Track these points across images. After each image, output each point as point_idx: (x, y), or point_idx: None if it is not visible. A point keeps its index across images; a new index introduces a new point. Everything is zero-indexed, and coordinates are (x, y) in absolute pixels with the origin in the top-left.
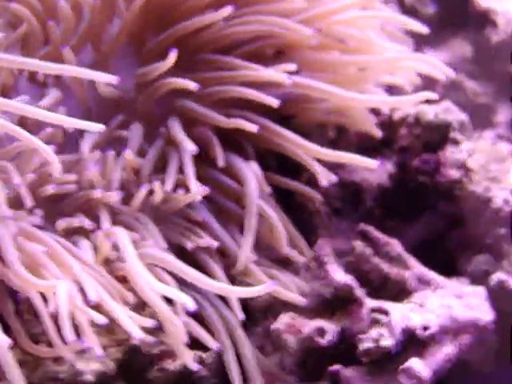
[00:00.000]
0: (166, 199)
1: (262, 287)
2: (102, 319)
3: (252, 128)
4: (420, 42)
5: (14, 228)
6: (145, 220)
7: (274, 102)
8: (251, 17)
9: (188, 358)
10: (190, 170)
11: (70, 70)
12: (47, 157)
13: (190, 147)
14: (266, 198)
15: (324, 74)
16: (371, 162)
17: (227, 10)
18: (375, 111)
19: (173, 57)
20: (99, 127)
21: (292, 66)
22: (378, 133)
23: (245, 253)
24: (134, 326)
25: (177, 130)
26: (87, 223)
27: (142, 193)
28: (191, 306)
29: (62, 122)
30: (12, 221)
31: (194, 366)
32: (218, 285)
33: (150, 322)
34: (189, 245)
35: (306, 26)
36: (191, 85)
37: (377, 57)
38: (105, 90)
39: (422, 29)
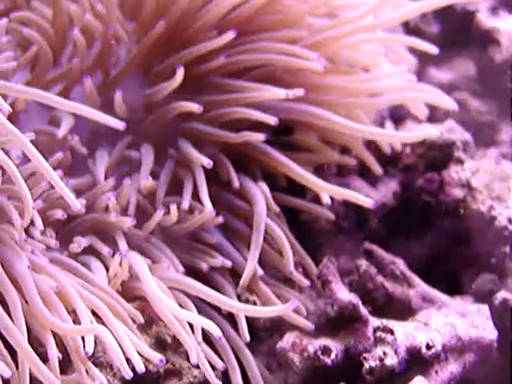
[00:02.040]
0: (179, 220)
1: (284, 306)
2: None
3: (259, 137)
4: (424, 61)
5: (26, 261)
6: (157, 242)
7: (272, 120)
8: (258, 44)
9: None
10: (204, 190)
11: (83, 110)
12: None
13: (206, 162)
14: (274, 218)
15: (329, 98)
16: (367, 201)
17: (230, 36)
18: (379, 125)
19: (180, 75)
20: (121, 124)
21: (299, 91)
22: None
23: (251, 267)
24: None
25: (190, 149)
26: (106, 250)
27: (158, 216)
28: (218, 332)
29: (85, 113)
30: (23, 252)
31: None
32: (244, 306)
33: (157, 357)
34: (204, 266)
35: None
36: (194, 107)
37: (383, 86)
38: (119, 109)
39: (430, 48)
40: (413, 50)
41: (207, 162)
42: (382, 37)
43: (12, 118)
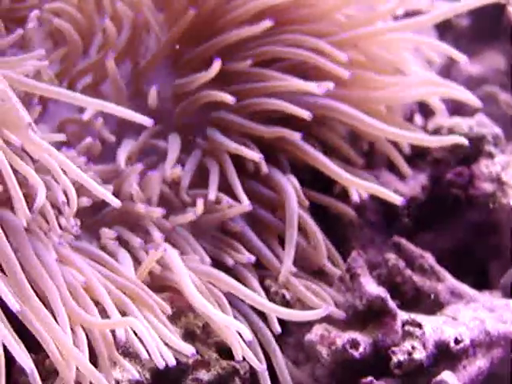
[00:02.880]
0: (208, 211)
1: (317, 312)
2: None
3: (294, 136)
4: None
5: (54, 253)
6: (185, 234)
7: (306, 115)
8: (289, 36)
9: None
10: (237, 183)
11: (110, 108)
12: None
13: (257, 156)
14: (305, 211)
15: (357, 92)
16: (396, 198)
17: (266, 24)
18: (409, 120)
19: (216, 66)
20: (149, 121)
21: (329, 85)
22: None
23: (287, 265)
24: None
25: (222, 138)
26: (137, 240)
27: (188, 216)
28: (248, 335)
29: (109, 110)
30: (51, 243)
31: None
32: (274, 307)
33: (189, 350)
34: (230, 261)
35: (343, 48)
36: (228, 98)
37: (410, 81)
38: (153, 103)
39: (458, 55)
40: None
41: (258, 156)
42: (413, 38)
43: (42, 107)
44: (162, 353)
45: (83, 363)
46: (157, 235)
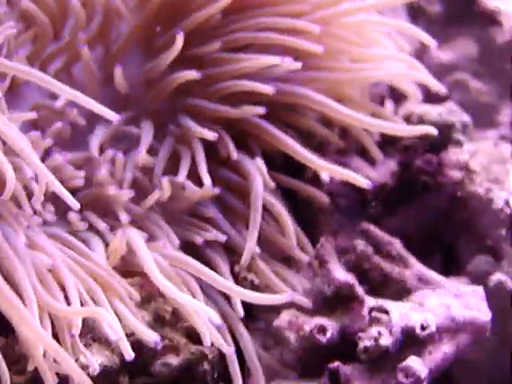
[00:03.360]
0: (176, 196)
1: (282, 297)
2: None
3: (259, 110)
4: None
5: (23, 237)
6: (156, 218)
7: (269, 90)
8: (259, 19)
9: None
10: (203, 165)
11: (79, 98)
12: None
13: (210, 135)
14: (273, 195)
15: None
16: (365, 182)
17: (226, 1)
18: (380, 105)
19: (180, 40)
20: (114, 116)
21: (297, 64)
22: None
23: (250, 246)
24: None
25: (191, 123)
26: (103, 225)
27: (155, 195)
28: (217, 320)
29: (80, 101)
30: (20, 227)
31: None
32: (242, 291)
33: (154, 337)
34: (198, 239)
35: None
36: (193, 74)
37: (379, 72)
38: (120, 84)
39: (429, 40)
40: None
41: (212, 135)
42: (383, 20)
43: (14, 90)
44: (121, 344)
45: (49, 344)
46: (123, 218)
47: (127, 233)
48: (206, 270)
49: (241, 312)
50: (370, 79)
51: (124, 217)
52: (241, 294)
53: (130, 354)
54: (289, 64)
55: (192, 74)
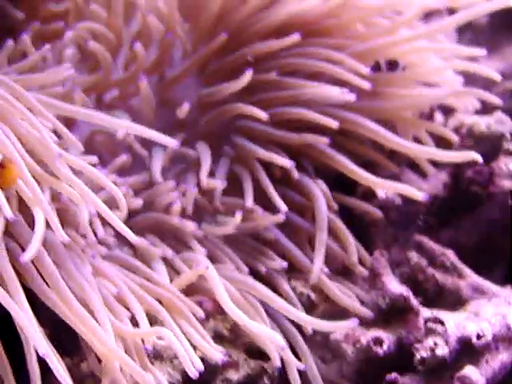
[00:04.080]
0: (244, 220)
1: (345, 323)
2: None
3: (323, 140)
4: None
5: (89, 266)
6: (219, 243)
7: (333, 124)
8: (313, 49)
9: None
10: (272, 189)
11: (138, 130)
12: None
13: (287, 163)
14: (334, 215)
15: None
16: (419, 194)
17: (294, 38)
18: (430, 118)
19: (248, 76)
20: (174, 143)
21: (351, 96)
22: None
23: (318, 266)
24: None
25: (250, 145)
26: (167, 251)
27: (229, 229)
28: (282, 342)
29: (139, 133)
30: (86, 257)
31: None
32: (308, 318)
33: (218, 355)
34: (263, 269)
35: (366, 58)
36: (262, 115)
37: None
38: (181, 113)
39: (479, 52)
40: (462, 39)
41: (288, 162)
42: (436, 47)
43: (71, 119)
44: (192, 361)
45: (127, 362)
46: (200, 250)
47: (197, 258)
48: (273, 295)
49: (309, 331)
50: (426, 104)
51: (201, 250)
52: (313, 323)
53: (194, 373)
54: (348, 96)
55: (258, 112)
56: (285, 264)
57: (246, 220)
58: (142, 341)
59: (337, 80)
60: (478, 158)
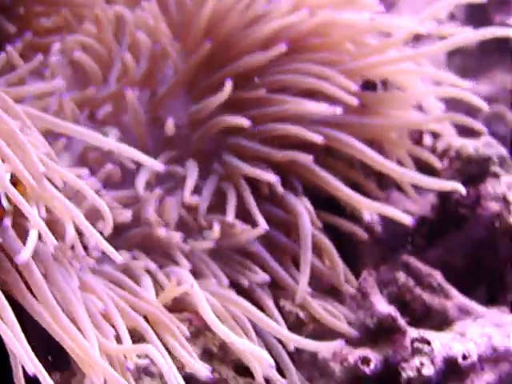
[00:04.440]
0: (225, 234)
1: (331, 344)
2: None
3: (306, 158)
4: (462, 73)
5: (76, 280)
6: (203, 256)
7: (319, 139)
8: (301, 65)
9: None
10: (253, 204)
11: (126, 151)
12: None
13: (271, 178)
14: (318, 230)
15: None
16: (406, 219)
17: (279, 49)
18: (419, 143)
19: (228, 87)
20: (161, 166)
21: (338, 110)
22: None
23: (303, 286)
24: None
25: (237, 162)
26: (151, 265)
27: (207, 243)
28: (271, 362)
29: (127, 154)
30: (73, 271)
31: None
32: (297, 338)
33: (205, 372)
34: (245, 282)
35: (353, 77)
36: (244, 122)
37: (423, 118)
38: (170, 131)
39: (478, 102)
40: (451, 64)
41: (272, 177)
42: (421, 70)
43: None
44: (176, 379)
45: (112, 376)
46: (185, 264)
47: (179, 273)
48: (259, 313)
49: (291, 347)
50: (412, 126)
51: (185, 263)
52: (296, 341)
53: None
54: (334, 110)
55: (241, 121)
56: (267, 277)
57: (229, 235)
58: (125, 357)
59: (327, 97)
60: (462, 189)
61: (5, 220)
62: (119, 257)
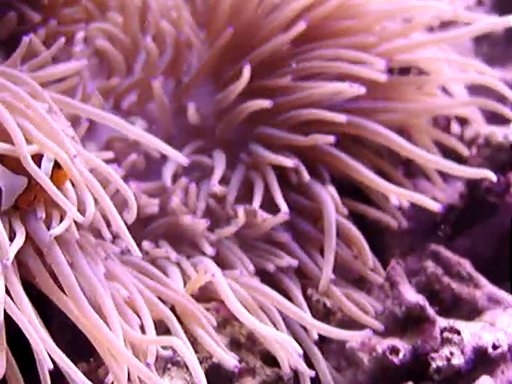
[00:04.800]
0: (250, 223)
1: (357, 333)
2: None
3: (329, 139)
4: (488, 61)
5: (102, 267)
6: (230, 245)
7: (341, 118)
8: (327, 51)
9: None
10: (278, 192)
11: (149, 140)
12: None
13: (289, 163)
14: (347, 219)
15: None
16: (435, 205)
17: (300, 28)
18: (446, 130)
19: (247, 72)
20: (185, 160)
21: (361, 88)
22: None
23: (327, 274)
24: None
25: (265, 152)
26: (176, 256)
27: (232, 228)
28: (299, 350)
29: (150, 143)
30: (99, 258)
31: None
32: (322, 325)
33: (233, 362)
34: (271, 267)
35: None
36: (265, 103)
37: (451, 102)
38: (193, 118)
39: (492, 73)
40: (477, 51)
41: (290, 162)
42: (449, 58)
43: (90, 125)
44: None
45: (137, 365)
46: (209, 251)
47: (204, 263)
48: (285, 301)
49: (315, 336)
50: (440, 110)
51: (209, 250)
52: (321, 329)
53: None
54: (357, 89)
55: (263, 103)
56: (292, 262)
57: (254, 224)
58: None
59: (354, 80)
60: (493, 177)
61: (38, 211)
62: (139, 253)
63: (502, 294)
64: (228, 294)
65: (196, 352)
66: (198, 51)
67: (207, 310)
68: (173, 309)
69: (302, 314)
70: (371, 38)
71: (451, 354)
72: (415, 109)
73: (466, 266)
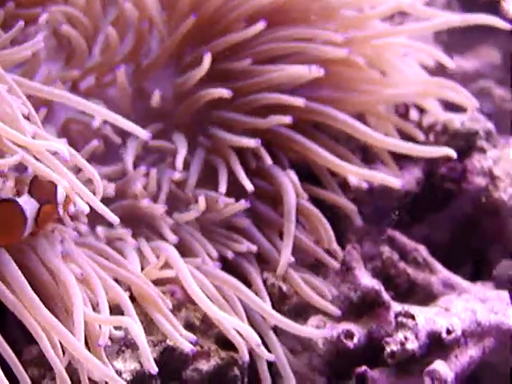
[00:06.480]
0: (211, 209)
1: (319, 332)
2: None
3: (286, 119)
4: (449, 49)
5: (59, 249)
6: (192, 231)
7: (299, 102)
8: (284, 32)
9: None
10: (242, 172)
11: (112, 118)
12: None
13: (252, 143)
14: (309, 202)
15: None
16: (395, 182)
17: (259, 27)
18: (405, 117)
19: (207, 60)
20: (145, 134)
21: (320, 71)
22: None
23: (285, 258)
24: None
25: (226, 134)
26: (132, 241)
27: (192, 214)
28: (257, 340)
29: (112, 120)
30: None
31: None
32: (283, 319)
33: (189, 345)
34: (229, 254)
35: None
36: (224, 92)
37: (405, 90)
38: (155, 101)
39: (449, 62)
40: (438, 39)
41: (253, 142)
42: (406, 43)
43: (47, 107)
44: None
45: (81, 351)
46: (170, 237)
47: (166, 250)
48: (246, 290)
49: (272, 322)
50: (397, 99)
51: (171, 236)
52: (282, 323)
53: (153, 368)
54: (317, 71)
55: (222, 92)
56: (252, 247)
57: (214, 209)
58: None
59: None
60: (453, 153)
61: None
62: (115, 217)
63: (457, 279)
64: (184, 273)
65: (151, 334)
66: (160, 34)
67: (163, 293)
68: (130, 291)
69: (262, 304)
70: (330, 26)
71: (405, 338)
72: (374, 98)
73: (422, 251)
